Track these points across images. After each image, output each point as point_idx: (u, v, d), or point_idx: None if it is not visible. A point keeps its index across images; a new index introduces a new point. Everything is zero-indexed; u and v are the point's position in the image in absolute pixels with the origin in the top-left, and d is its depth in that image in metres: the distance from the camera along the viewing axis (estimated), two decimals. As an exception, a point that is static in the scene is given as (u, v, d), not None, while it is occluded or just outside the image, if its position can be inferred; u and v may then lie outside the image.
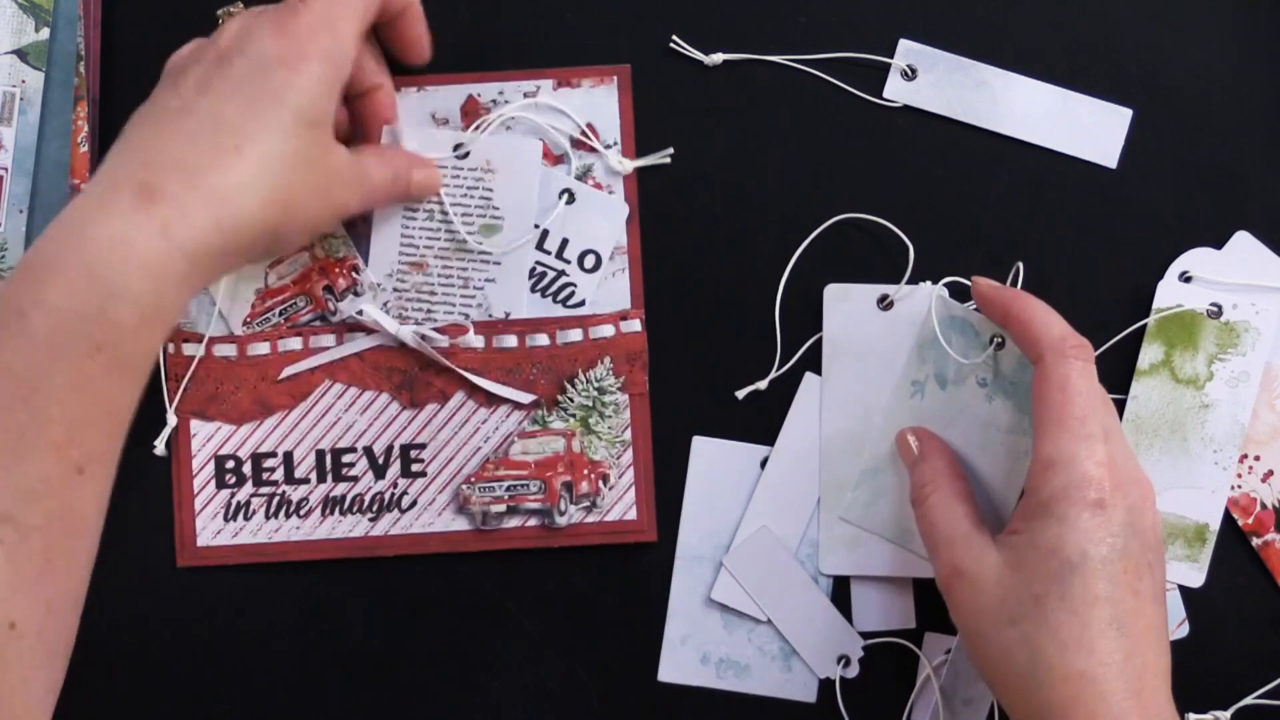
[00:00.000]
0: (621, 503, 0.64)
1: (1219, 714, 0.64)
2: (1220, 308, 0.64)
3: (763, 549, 0.64)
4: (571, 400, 0.64)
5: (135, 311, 0.50)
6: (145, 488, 0.64)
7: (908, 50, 0.65)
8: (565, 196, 0.64)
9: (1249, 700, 0.64)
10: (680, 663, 0.64)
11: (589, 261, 0.64)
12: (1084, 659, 0.51)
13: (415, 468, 0.64)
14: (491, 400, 0.64)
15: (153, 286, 0.50)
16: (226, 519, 0.64)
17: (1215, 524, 0.64)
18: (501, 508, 0.64)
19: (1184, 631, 0.64)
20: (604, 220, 0.64)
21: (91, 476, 0.50)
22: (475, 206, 0.57)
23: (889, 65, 0.65)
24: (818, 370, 0.65)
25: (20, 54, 0.64)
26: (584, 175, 0.64)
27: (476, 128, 0.62)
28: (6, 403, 0.48)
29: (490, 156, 0.56)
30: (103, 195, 0.51)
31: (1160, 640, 0.54)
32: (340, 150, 0.57)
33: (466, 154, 0.57)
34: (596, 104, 0.65)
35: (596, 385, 0.64)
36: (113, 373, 0.50)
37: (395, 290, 0.58)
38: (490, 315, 0.57)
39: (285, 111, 0.53)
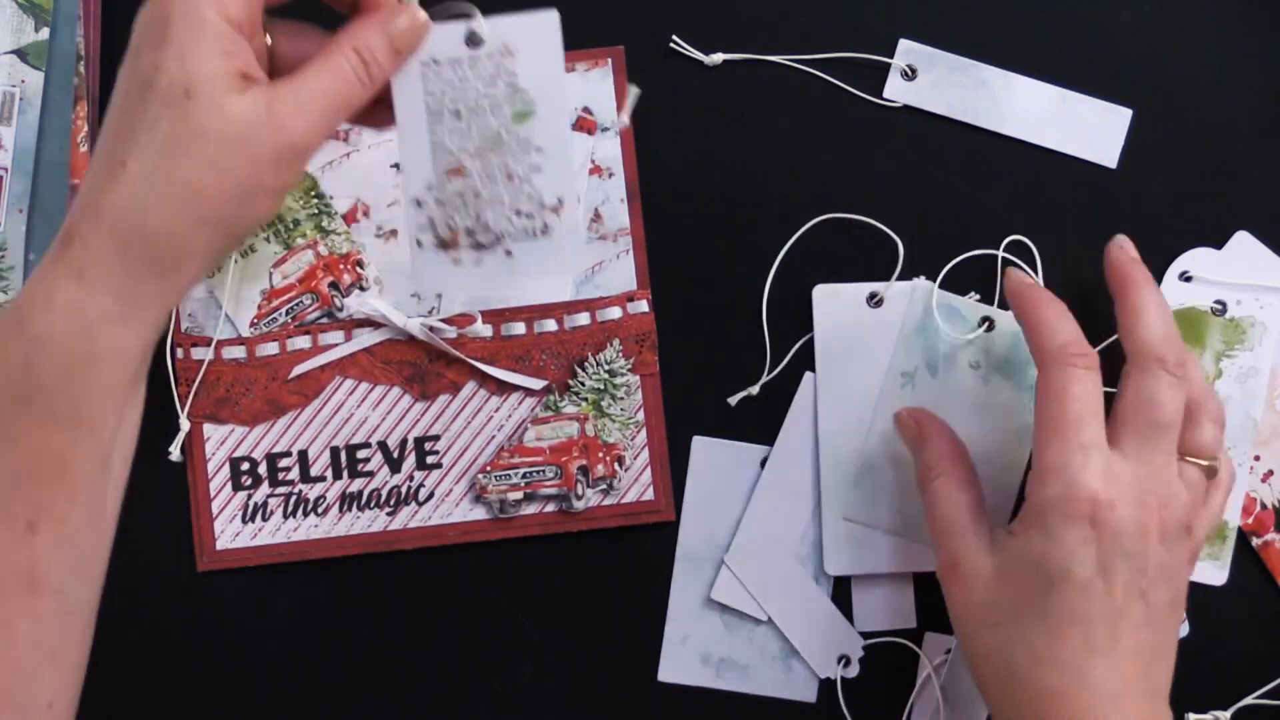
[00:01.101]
0: (638, 484, 0.64)
1: (1219, 714, 0.64)
2: (1224, 305, 0.64)
3: (763, 549, 0.64)
4: (583, 384, 0.64)
5: (61, 360, 0.47)
6: (162, 493, 0.64)
7: (908, 50, 0.65)
8: None
9: (1249, 700, 0.64)
10: (680, 663, 0.64)
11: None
12: (1054, 676, 0.51)
13: (430, 460, 0.64)
14: (503, 388, 0.64)
15: (78, 332, 0.47)
16: (245, 520, 0.64)
17: (1234, 521, 0.64)
18: (519, 495, 0.64)
19: (1184, 631, 0.64)
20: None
21: (47, 533, 0.47)
22: (502, 96, 0.52)
23: (889, 65, 0.65)
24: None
25: (20, 54, 0.64)
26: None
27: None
28: None
29: (507, 40, 0.51)
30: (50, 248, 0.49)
31: (1151, 661, 0.52)
32: (238, 103, 0.47)
33: (481, 42, 0.51)
34: (592, 87, 0.65)
35: (607, 368, 0.64)
36: (47, 424, 0.47)
37: (438, 202, 0.53)
38: (544, 204, 0.52)
39: (153, 97, 0.47)
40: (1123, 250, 0.59)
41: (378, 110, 0.54)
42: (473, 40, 0.52)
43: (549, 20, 0.52)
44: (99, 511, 0.50)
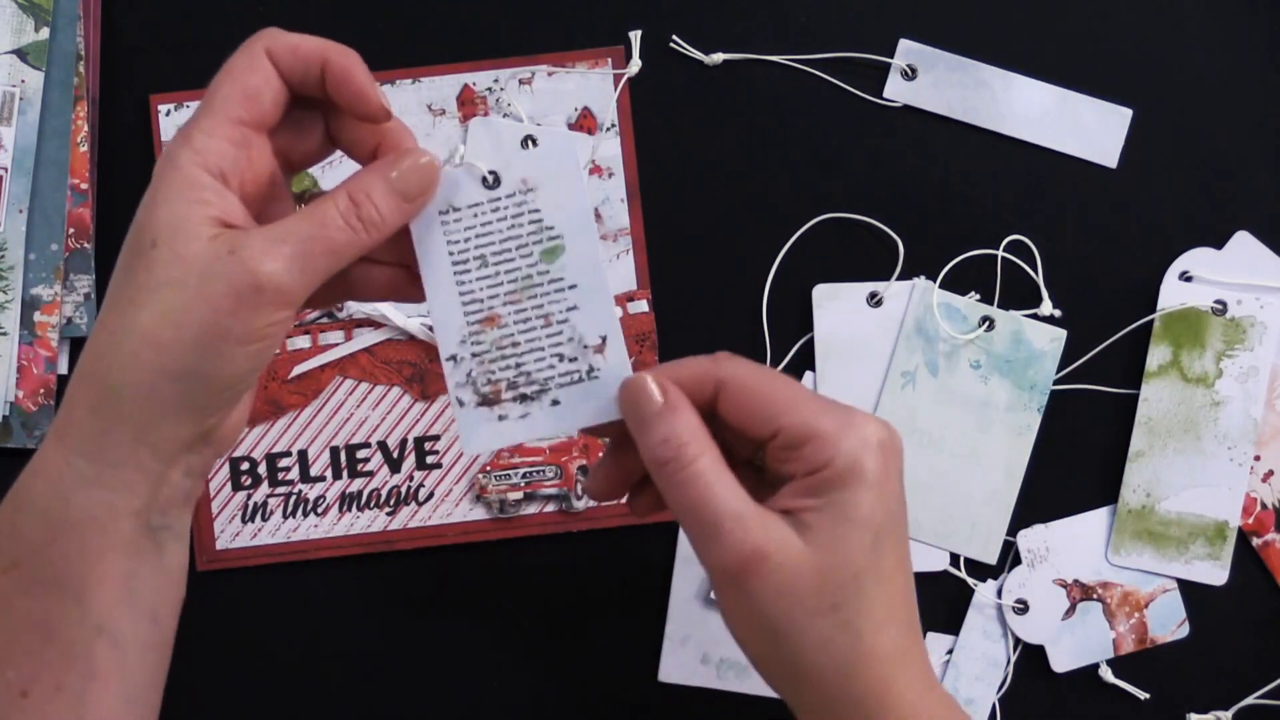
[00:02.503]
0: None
1: (1220, 714, 0.64)
2: (1225, 304, 0.64)
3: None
4: None
5: (42, 525, 0.46)
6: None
7: (908, 50, 0.65)
8: (529, 143, 0.64)
9: (1250, 700, 0.64)
10: (680, 663, 0.64)
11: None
12: (897, 633, 0.47)
13: (430, 460, 0.64)
14: (503, 389, 0.64)
15: (56, 496, 0.46)
16: (244, 520, 0.64)
17: (1235, 521, 0.64)
18: (518, 495, 0.64)
19: (1184, 631, 0.64)
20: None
21: (40, 699, 0.46)
22: (528, 234, 0.48)
23: (889, 65, 0.65)
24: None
25: (20, 54, 0.64)
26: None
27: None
28: None
29: (525, 175, 0.48)
30: None
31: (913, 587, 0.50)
32: (196, 248, 0.45)
33: (498, 180, 0.48)
34: (591, 87, 0.65)
35: None
36: (32, 590, 0.46)
37: (474, 356, 0.49)
38: (586, 344, 0.48)
39: (127, 249, 0.46)
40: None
41: (409, 283, 0.50)
42: (490, 182, 0.48)
43: (565, 145, 0.48)
44: (106, 681, 0.48)
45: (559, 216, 0.48)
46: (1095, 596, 0.64)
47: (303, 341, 0.64)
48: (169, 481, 0.47)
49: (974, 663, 0.64)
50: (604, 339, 0.48)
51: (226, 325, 0.45)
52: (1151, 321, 0.64)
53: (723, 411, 0.48)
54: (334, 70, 0.47)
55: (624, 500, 0.52)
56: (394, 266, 0.50)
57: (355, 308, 0.64)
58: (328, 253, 0.46)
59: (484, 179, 0.48)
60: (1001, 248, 0.65)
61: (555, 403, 0.49)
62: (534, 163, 0.47)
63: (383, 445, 0.64)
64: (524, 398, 0.49)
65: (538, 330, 0.48)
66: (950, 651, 0.64)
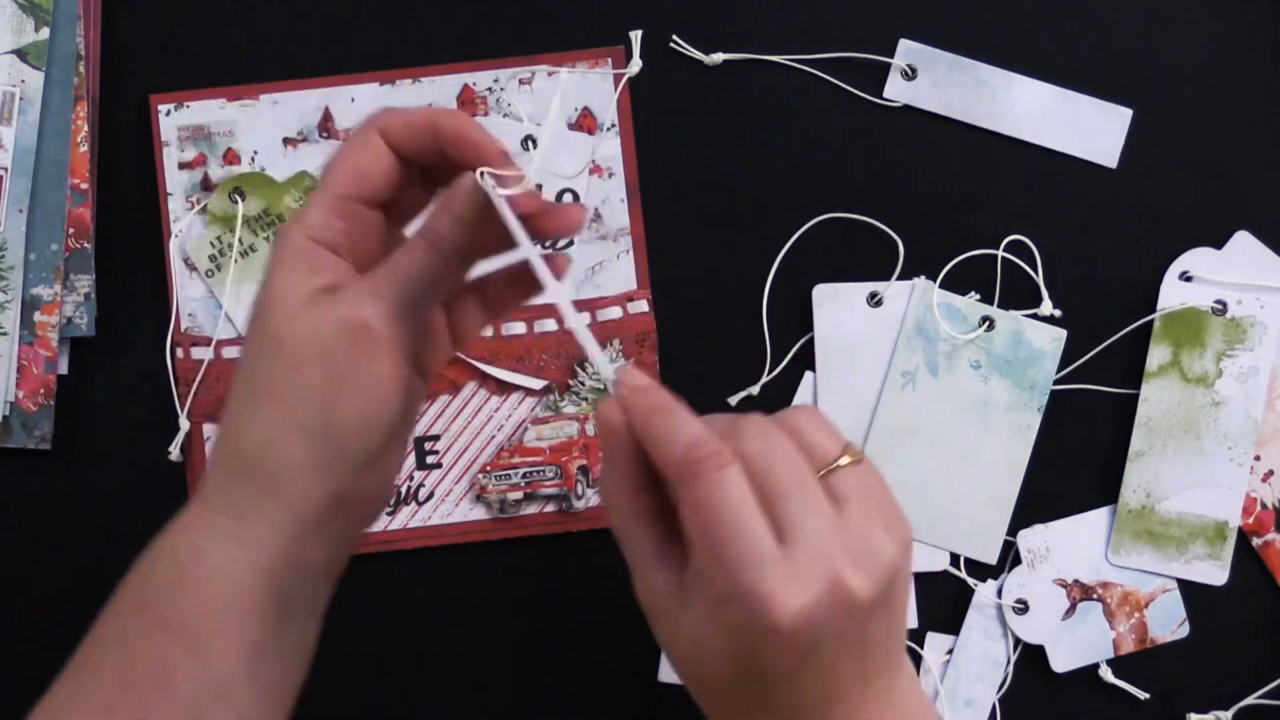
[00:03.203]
0: None
1: (1220, 714, 0.64)
2: (1225, 304, 0.64)
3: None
4: (583, 384, 0.64)
5: (172, 572, 0.48)
6: (162, 493, 0.64)
7: (908, 50, 0.65)
8: (528, 143, 0.65)
9: (1250, 700, 0.64)
10: (680, 663, 0.64)
11: (567, 200, 0.65)
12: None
13: (430, 459, 0.64)
14: (503, 388, 0.64)
15: (187, 546, 0.48)
16: (242, 519, 0.64)
17: (1235, 520, 0.64)
18: (519, 495, 0.64)
19: (1184, 632, 0.64)
20: (570, 155, 0.65)
21: None
22: None
23: (889, 65, 0.65)
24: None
25: (20, 54, 0.64)
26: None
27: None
28: (75, 660, 0.49)
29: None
30: None
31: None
32: (306, 305, 0.46)
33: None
34: (592, 87, 0.65)
35: None
36: (154, 632, 0.48)
37: None
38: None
39: (249, 319, 0.48)
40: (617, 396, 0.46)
41: (505, 291, 0.51)
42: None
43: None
44: None
45: None
46: (1095, 596, 0.64)
47: (303, 341, 0.65)
48: (303, 545, 0.48)
49: (974, 663, 0.64)
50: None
51: (344, 371, 0.46)
52: (1151, 321, 0.64)
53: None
54: (446, 133, 0.48)
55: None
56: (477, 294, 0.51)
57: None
58: (420, 280, 0.47)
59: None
60: (1001, 248, 0.65)
61: None
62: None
63: (383, 445, 0.64)
64: None
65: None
66: (950, 651, 0.64)
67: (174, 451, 0.64)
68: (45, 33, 0.64)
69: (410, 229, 0.51)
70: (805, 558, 0.43)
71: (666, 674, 0.64)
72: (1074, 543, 0.64)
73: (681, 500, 0.44)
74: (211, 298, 0.65)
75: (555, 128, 0.65)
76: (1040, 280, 0.64)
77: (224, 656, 0.48)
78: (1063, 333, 0.64)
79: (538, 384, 0.64)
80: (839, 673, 0.44)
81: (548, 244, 0.63)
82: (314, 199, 0.48)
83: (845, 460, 0.45)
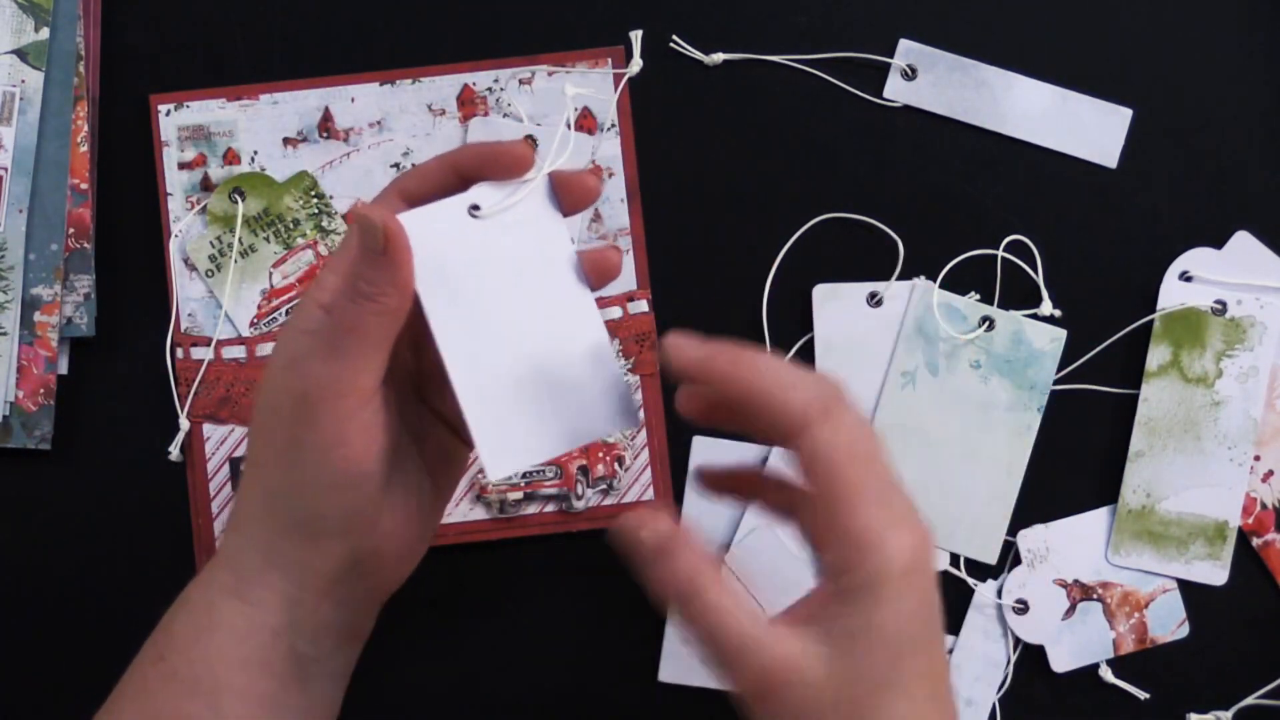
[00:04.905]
0: (639, 484, 0.64)
1: (1220, 714, 0.64)
2: (1224, 305, 0.64)
3: (763, 549, 0.64)
4: None
5: (190, 625, 0.50)
6: (162, 493, 0.64)
7: (908, 50, 0.65)
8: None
9: (1250, 700, 0.64)
10: (680, 663, 0.64)
11: None
12: None
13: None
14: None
15: (204, 601, 0.50)
16: (242, 520, 0.64)
17: (1234, 521, 0.64)
18: (519, 495, 0.64)
19: (1184, 632, 0.64)
20: (571, 156, 0.64)
21: None
22: None
23: (889, 65, 0.65)
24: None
25: (20, 54, 0.64)
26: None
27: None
28: (105, 707, 0.50)
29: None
30: None
31: (947, 694, 0.49)
32: (269, 385, 0.48)
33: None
34: (592, 87, 0.65)
35: None
36: (172, 683, 0.49)
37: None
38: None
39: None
40: (680, 342, 0.49)
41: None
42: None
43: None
44: None
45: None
46: (1095, 596, 0.64)
47: (303, 341, 0.65)
48: (313, 608, 0.49)
49: (974, 663, 0.64)
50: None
51: (298, 433, 0.46)
52: (1151, 321, 0.64)
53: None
54: (466, 166, 0.49)
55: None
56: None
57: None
58: (348, 331, 0.46)
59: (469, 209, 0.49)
60: (1001, 248, 0.65)
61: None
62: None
63: (383, 445, 0.64)
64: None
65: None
66: (950, 651, 0.64)
67: (174, 451, 0.64)
68: (45, 33, 0.64)
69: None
70: (901, 504, 0.47)
71: (666, 674, 0.64)
72: (1074, 543, 0.64)
73: (808, 453, 0.45)
74: (211, 298, 0.64)
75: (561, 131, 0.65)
76: (1040, 280, 0.64)
77: (236, 710, 0.48)
78: (1063, 333, 0.64)
79: (538, 384, 0.64)
80: (935, 639, 0.47)
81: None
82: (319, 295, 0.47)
83: None
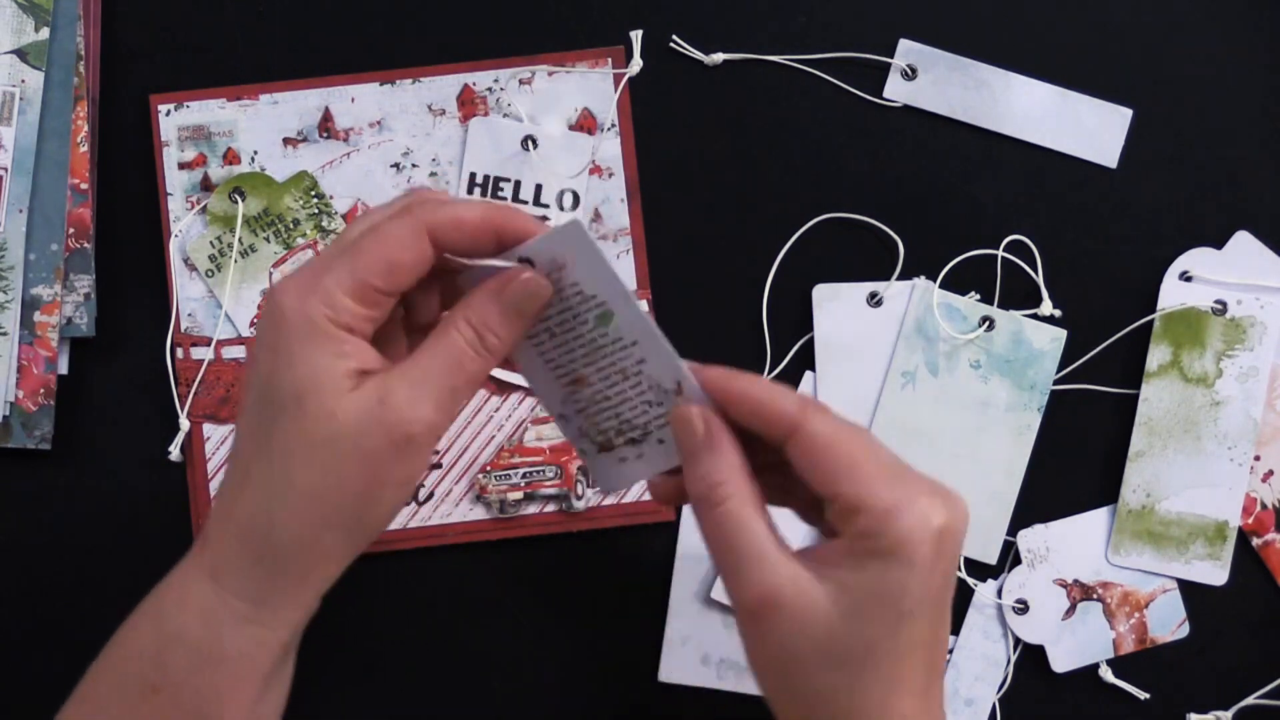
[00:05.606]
0: (639, 483, 0.64)
1: (1220, 714, 0.64)
2: (1224, 305, 0.64)
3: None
4: None
5: (190, 657, 0.48)
6: (162, 493, 0.64)
7: (908, 50, 0.65)
8: (529, 143, 0.65)
9: (1250, 700, 0.64)
10: (680, 663, 0.64)
11: (568, 200, 0.65)
12: (906, 701, 0.47)
13: (430, 459, 0.64)
14: (503, 388, 0.64)
15: (209, 632, 0.48)
16: (242, 520, 0.64)
17: (1235, 521, 0.64)
18: (519, 495, 0.64)
19: (1184, 631, 0.64)
20: (571, 156, 0.65)
21: None
22: (578, 304, 0.49)
23: (889, 65, 0.65)
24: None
25: (20, 54, 0.64)
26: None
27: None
28: None
29: (553, 254, 0.48)
30: (192, 546, 0.51)
31: (941, 665, 0.50)
32: (348, 404, 0.46)
33: (531, 263, 0.49)
34: (592, 87, 0.65)
35: None
36: (170, 715, 0.49)
37: (578, 413, 0.51)
38: (665, 389, 0.50)
39: (270, 405, 0.47)
40: (708, 370, 0.50)
41: None
42: (527, 262, 0.49)
43: (577, 231, 0.48)
44: None
45: (598, 287, 0.49)
46: (1095, 596, 0.64)
47: (303, 341, 0.65)
48: (298, 623, 0.50)
49: (974, 663, 0.64)
50: (679, 383, 0.50)
51: (387, 475, 0.47)
52: (1151, 321, 0.64)
53: (790, 458, 0.48)
54: (509, 232, 0.48)
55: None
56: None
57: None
58: (465, 386, 0.48)
59: (520, 260, 0.49)
60: (1001, 248, 0.65)
61: (660, 441, 0.51)
62: (558, 244, 0.48)
63: (383, 445, 0.65)
64: (633, 441, 0.52)
65: (620, 384, 0.51)
66: (950, 651, 0.64)
67: (174, 451, 0.64)
68: (45, 33, 0.64)
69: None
70: (924, 481, 0.48)
71: (666, 674, 0.64)
72: (1074, 543, 0.64)
73: (813, 442, 0.47)
74: (211, 298, 0.65)
75: (559, 129, 0.65)
76: (1040, 280, 0.64)
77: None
78: (1063, 333, 0.64)
79: (538, 384, 0.64)
80: (946, 607, 0.48)
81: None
82: (335, 273, 0.46)
83: None
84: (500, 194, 0.65)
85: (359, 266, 0.46)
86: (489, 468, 0.64)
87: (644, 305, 0.52)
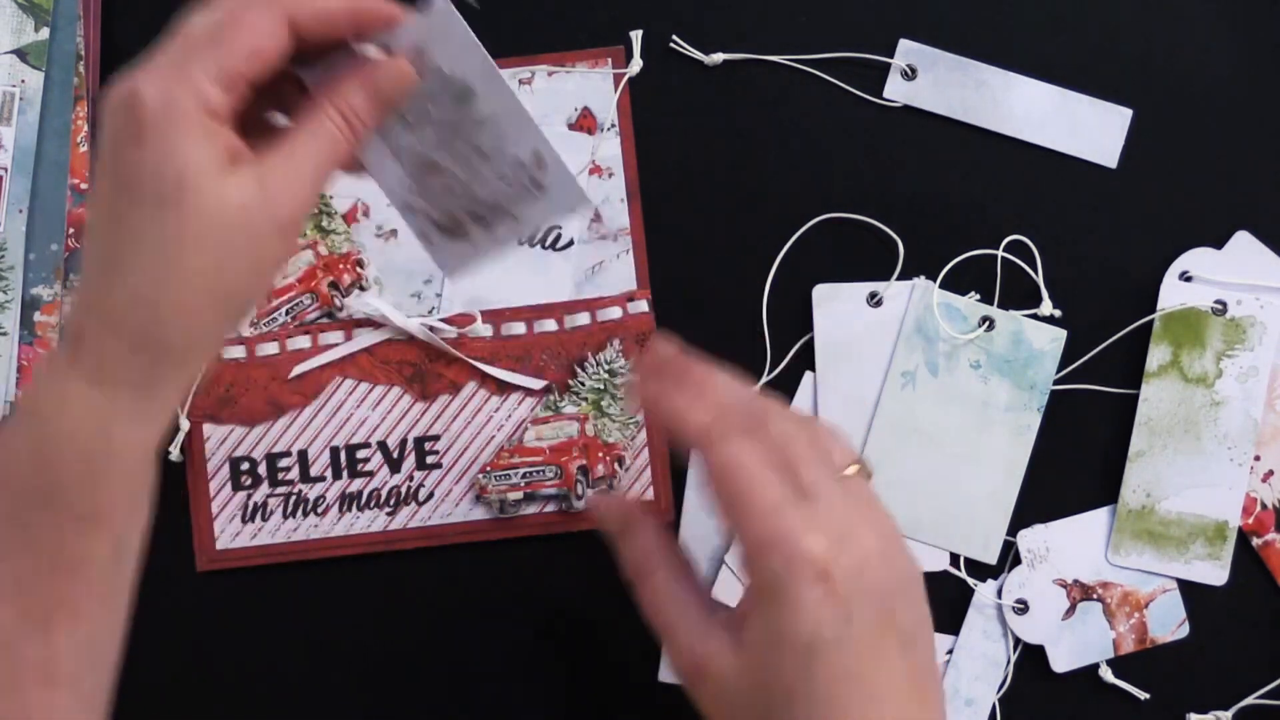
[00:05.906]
0: (638, 484, 0.64)
1: (1220, 714, 0.64)
2: (1224, 305, 0.64)
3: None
4: (583, 384, 0.64)
5: (81, 460, 0.47)
6: (162, 494, 0.64)
7: (908, 50, 0.65)
8: None
9: (1250, 700, 0.64)
10: (680, 663, 0.64)
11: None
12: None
13: (430, 460, 0.64)
14: (503, 388, 0.64)
15: (97, 431, 0.47)
16: (244, 520, 0.64)
17: (1235, 520, 0.64)
18: (519, 495, 0.64)
19: (1184, 631, 0.64)
20: (571, 156, 0.64)
21: (64, 627, 0.47)
22: (437, 88, 0.50)
23: (889, 65, 0.65)
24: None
25: (20, 54, 0.64)
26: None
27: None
28: None
29: (415, 40, 0.49)
30: (57, 347, 0.49)
31: (925, 692, 0.48)
32: (231, 188, 0.46)
33: (388, 51, 0.50)
34: (592, 87, 0.65)
35: (607, 368, 0.64)
36: (66, 523, 0.47)
37: (427, 201, 0.52)
38: (524, 163, 0.50)
39: (143, 195, 0.46)
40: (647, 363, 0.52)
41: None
42: (386, 50, 0.50)
43: (443, 10, 0.50)
44: (115, 603, 0.49)
45: (462, 67, 0.50)
46: (1095, 596, 0.64)
47: (303, 341, 0.64)
48: (175, 407, 0.50)
49: (974, 663, 0.64)
50: (538, 154, 0.51)
51: (267, 254, 0.48)
52: (1151, 321, 0.64)
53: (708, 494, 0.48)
54: (372, 25, 0.49)
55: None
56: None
57: (355, 308, 0.64)
58: (333, 170, 0.49)
59: (379, 47, 0.50)
60: (1001, 248, 0.65)
61: (513, 217, 0.52)
62: (425, 29, 0.50)
63: (383, 445, 0.64)
64: (483, 220, 0.53)
65: (477, 164, 0.52)
66: (950, 651, 0.64)
67: (174, 451, 0.64)
68: (45, 33, 0.64)
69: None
70: (824, 510, 0.47)
71: (666, 674, 0.64)
72: (1074, 543, 0.64)
73: (708, 465, 0.48)
74: (211, 298, 0.65)
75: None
76: (1040, 280, 0.64)
77: (127, 522, 0.49)
78: (1062, 333, 0.64)
79: (537, 384, 0.64)
80: (865, 628, 0.46)
81: (548, 244, 0.64)
82: (202, 61, 0.46)
83: (853, 469, 0.49)
84: (500, 194, 0.65)
85: (224, 55, 0.47)
86: (489, 468, 0.64)
87: (507, 76, 0.53)
